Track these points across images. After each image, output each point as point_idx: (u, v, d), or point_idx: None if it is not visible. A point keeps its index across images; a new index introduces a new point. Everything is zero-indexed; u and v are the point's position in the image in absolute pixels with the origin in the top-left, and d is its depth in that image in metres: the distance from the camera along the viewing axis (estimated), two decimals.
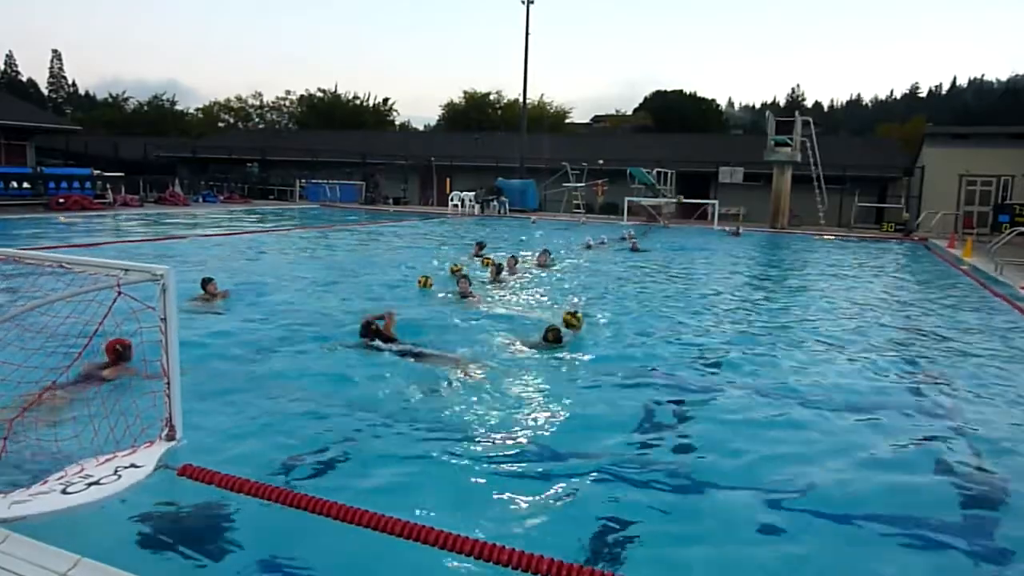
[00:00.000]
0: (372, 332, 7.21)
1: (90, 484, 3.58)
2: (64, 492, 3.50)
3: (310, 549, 3.48)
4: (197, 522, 3.74)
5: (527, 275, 13.16)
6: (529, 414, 5.57)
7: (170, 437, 4.09)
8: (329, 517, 3.30)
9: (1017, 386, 6.87)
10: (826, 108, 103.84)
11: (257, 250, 16.23)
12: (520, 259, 13.97)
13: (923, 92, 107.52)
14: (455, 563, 3.17)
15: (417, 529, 3.11)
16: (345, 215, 30.06)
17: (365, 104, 65.59)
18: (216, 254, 14.89)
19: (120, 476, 3.68)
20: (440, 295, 10.44)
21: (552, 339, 7.21)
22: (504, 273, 12.16)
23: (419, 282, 10.98)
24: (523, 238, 21.91)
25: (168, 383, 4.03)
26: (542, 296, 11.19)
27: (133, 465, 3.81)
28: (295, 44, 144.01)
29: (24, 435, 3.91)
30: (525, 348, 7.35)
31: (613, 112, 77.73)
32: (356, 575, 3.44)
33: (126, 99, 71.35)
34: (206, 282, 9.66)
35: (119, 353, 5.80)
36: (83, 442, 4.01)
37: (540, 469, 4.58)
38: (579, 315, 7.98)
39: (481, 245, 15.93)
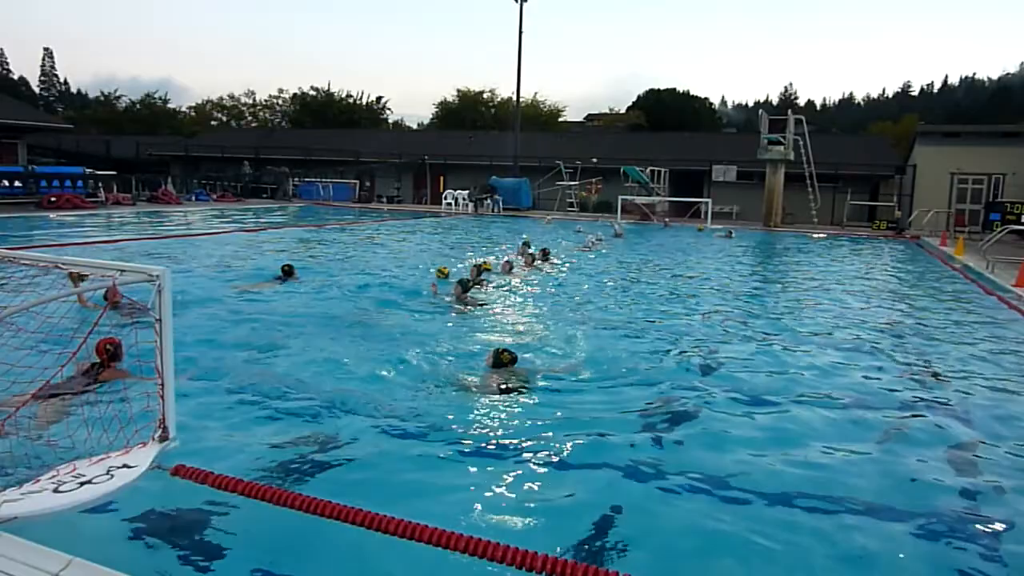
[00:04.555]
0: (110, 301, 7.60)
1: (82, 484, 3.56)
2: (56, 491, 3.48)
3: (305, 549, 3.48)
4: (191, 522, 3.72)
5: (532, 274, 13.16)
6: (524, 413, 5.58)
7: (163, 438, 4.07)
8: (324, 517, 3.29)
9: (1010, 383, 6.92)
10: (818, 107, 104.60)
11: (253, 247, 16.18)
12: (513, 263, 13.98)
13: (915, 91, 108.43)
14: (452, 561, 3.17)
15: (412, 527, 3.10)
16: (337, 213, 30.02)
17: (358, 103, 65.44)
18: (213, 252, 14.83)
19: (113, 476, 3.65)
20: (432, 300, 10.38)
21: (507, 360, 6.37)
22: (482, 278, 12.14)
23: (439, 273, 11.98)
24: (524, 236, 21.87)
25: (162, 384, 4.01)
26: (531, 297, 11.19)
27: (126, 465, 3.78)
28: (288, 43, 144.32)
29: (16, 435, 3.89)
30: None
31: (606, 110, 77.90)
32: (352, 575, 3.44)
33: (118, 97, 71.09)
34: (290, 271, 10.90)
35: (110, 353, 5.72)
36: (76, 442, 3.99)
37: (538, 468, 4.58)
38: (506, 354, 6.48)
39: (527, 244, 16.01)
